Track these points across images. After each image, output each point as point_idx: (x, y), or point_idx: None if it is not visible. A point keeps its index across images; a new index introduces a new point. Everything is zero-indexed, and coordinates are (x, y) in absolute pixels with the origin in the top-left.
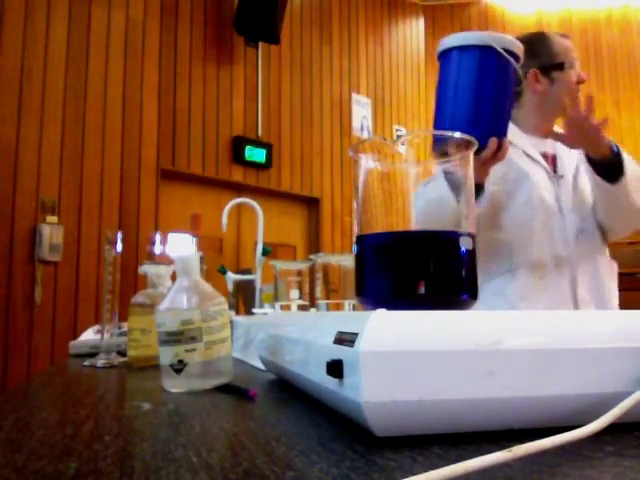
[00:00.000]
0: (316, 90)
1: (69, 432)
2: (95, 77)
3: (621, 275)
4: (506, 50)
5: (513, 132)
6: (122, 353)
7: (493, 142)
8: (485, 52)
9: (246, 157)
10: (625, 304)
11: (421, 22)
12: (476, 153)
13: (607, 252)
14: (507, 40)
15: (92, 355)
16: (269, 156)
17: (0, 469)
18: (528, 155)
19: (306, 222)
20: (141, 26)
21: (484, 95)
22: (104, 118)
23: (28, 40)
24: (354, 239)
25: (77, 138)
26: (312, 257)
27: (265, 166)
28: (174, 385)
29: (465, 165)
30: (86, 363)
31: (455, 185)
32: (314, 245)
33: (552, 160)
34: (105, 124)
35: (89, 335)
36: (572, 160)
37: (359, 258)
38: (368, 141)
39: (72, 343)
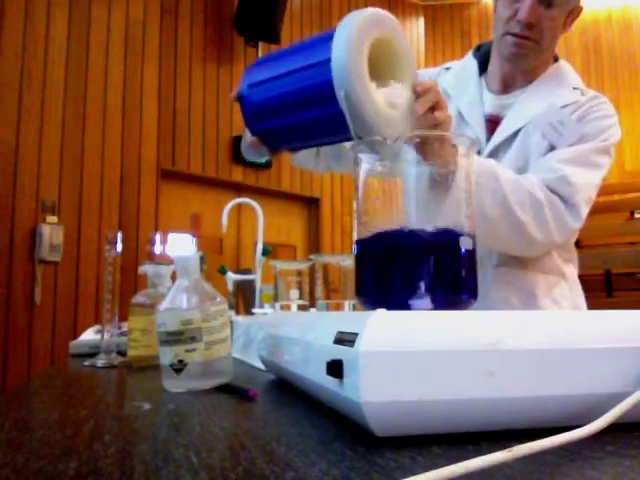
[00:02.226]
0: None
1: (69, 432)
2: (95, 77)
3: (621, 275)
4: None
5: (469, 85)
6: (122, 353)
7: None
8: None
9: None
10: (625, 304)
11: (421, 22)
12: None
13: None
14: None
15: (92, 355)
16: None
17: (0, 469)
18: (462, 117)
19: (306, 222)
20: (141, 26)
21: (295, 117)
22: (104, 118)
23: (28, 40)
24: (354, 239)
25: (77, 138)
26: (312, 257)
27: (265, 166)
28: (174, 385)
29: (466, 164)
30: (86, 363)
31: None
32: (314, 245)
33: (492, 125)
34: (105, 124)
35: (89, 335)
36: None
37: (359, 258)
38: (368, 141)
39: (72, 343)
